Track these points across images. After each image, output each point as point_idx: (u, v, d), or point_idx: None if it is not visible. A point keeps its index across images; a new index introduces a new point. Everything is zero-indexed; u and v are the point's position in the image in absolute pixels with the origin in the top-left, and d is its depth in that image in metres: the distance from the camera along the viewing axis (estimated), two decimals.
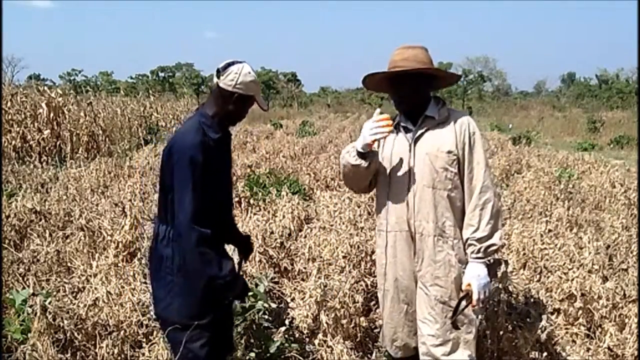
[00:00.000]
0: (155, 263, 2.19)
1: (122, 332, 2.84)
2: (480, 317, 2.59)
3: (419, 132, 2.25)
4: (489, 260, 2.21)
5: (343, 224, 4.42)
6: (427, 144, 2.23)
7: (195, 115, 2.18)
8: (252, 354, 2.75)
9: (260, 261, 3.82)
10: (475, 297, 2.14)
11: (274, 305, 3.10)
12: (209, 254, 2.02)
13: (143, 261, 3.67)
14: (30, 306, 2.73)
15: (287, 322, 3.09)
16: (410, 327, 2.38)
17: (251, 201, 5.55)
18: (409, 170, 2.24)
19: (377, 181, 2.38)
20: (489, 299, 2.93)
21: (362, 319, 3.29)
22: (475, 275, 2.15)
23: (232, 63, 2.13)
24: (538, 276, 3.76)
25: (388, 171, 2.31)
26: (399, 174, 2.27)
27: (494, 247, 2.20)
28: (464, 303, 2.18)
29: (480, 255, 2.18)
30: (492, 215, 2.18)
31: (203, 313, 2.13)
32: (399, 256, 2.32)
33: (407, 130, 2.30)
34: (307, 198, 6.44)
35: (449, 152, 2.20)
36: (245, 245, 2.50)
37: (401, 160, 2.27)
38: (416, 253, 2.27)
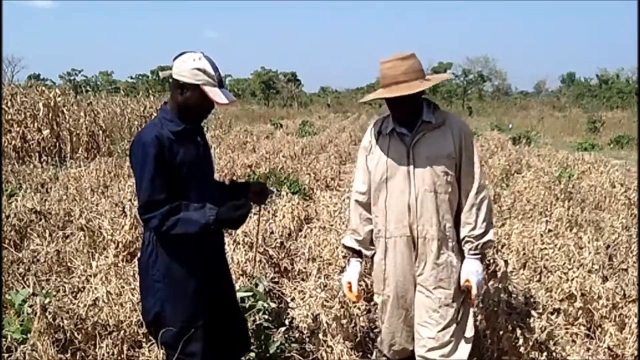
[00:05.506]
0: (143, 271, 2.15)
1: (122, 332, 2.84)
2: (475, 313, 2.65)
3: (417, 137, 2.24)
4: (482, 256, 2.31)
5: (343, 223, 4.42)
6: (427, 148, 2.22)
7: (159, 111, 2.13)
8: (252, 354, 2.75)
9: (260, 261, 3.82)
10: (474, 292, 2.20)
11: (274, 305, 3.10)
12: (174, 221, 1.97)
13: None
14: (30, 306, 2.73)
15: (287, 322, 3.09)
16: (409, 332, 2.41)
17: None
18: (409, 176, 2.24)
19: (373, 188, 2.36)
20: (490, 299, 2.94)
21: (362, 319, 3.29)
22: (474, 271, 2.22)
23: (184, 53, 2.06)
24: (538, 276, 3.76)
25: (385, 177, 2.28)
26: (397, 179, 2.25)
27: (490, 244, 2.31)
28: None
29: (477, 251, 2.26)
30: (487, 213, 2.27)
31: (196, 316, 2.12)
32: (399, 262, 2.32)
33: (401, 135, 2.27)
34: (307, 198, 6.44)
35: (449, 155, 2.22)
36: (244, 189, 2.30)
37: (399, 165, 2.25)
38: (418, 257, 2.28)
